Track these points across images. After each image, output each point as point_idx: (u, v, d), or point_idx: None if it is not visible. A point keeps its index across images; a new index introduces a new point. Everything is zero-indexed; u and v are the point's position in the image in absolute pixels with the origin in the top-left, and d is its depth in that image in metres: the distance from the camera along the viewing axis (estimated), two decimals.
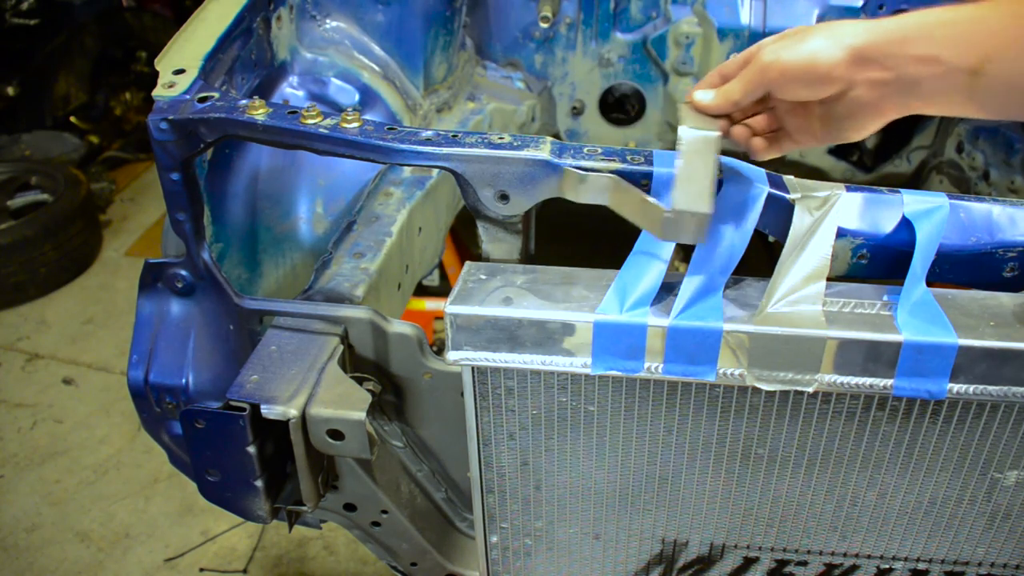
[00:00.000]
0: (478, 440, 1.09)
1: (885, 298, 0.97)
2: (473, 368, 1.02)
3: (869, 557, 1.15)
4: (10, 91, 4.06)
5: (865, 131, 0.91)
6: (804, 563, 1.17)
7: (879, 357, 0.92)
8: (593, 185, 0.99)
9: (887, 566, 1.16)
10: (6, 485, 2.62)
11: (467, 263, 1.08)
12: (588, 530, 1.17)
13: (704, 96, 0.94)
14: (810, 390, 0.95)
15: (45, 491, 2.59)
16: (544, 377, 1.02)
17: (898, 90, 0.86)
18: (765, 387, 0.96)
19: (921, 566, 1.15)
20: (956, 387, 0.93)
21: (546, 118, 2.16)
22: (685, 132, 0.91)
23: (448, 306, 0.98)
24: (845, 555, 1.16)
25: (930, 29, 0.82)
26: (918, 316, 0.93)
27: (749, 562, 1.19)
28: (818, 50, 0.85)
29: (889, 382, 0.94)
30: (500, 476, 1.12)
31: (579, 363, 0.98)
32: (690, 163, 0.90)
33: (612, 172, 0.99)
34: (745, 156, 1.00)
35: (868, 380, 0.94)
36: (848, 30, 0.85)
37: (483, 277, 1.04)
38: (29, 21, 3.99)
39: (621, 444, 1.07)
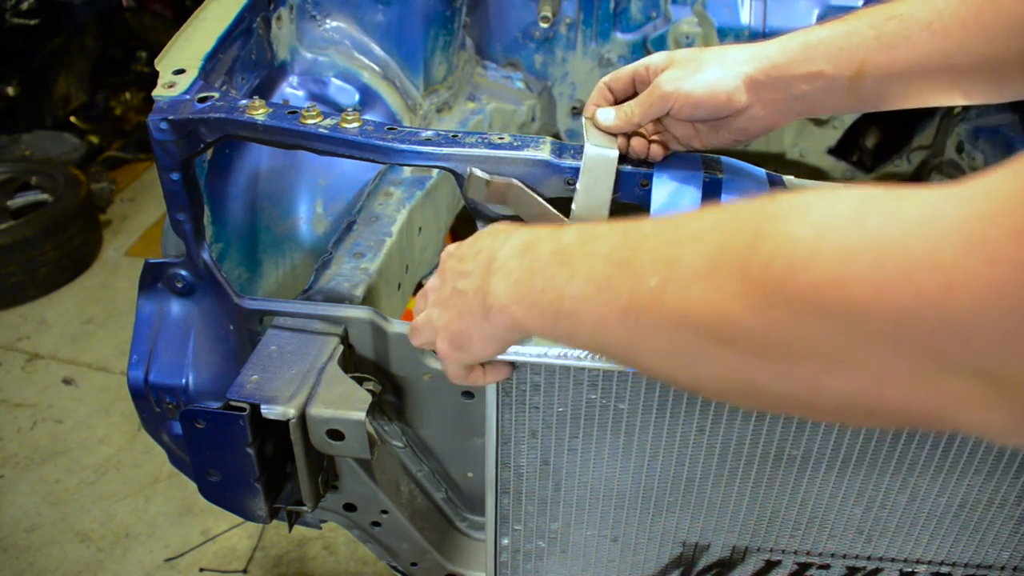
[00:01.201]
0: (497, 438, 1.02)
1: None
2: None
3: (893, 560, 1.12)
4: (10, 91, 4.05)
5: (756, 137, 0.99)
6: (826, 566, 1.14)
7: None
8: (495, 189, 1.03)
9: (910, 569, 1.13)
10: (6, 485, 2.62)
11: None
12: (607, 532, 1.12)
13: (607, 118, 1.01)
14: None
15: (45, 491, 2.59)
16: (574, 373, 0.95)
17: (790, 104, 0.94)
18: None
19: (944, 569, 1.12)
20: None
21: (546, 118, 2.16)
22: (589, 149, 0.99)
23: None
24: (868, 558, 1.13)
25: (809, 49, 0.91)
26: None
27: (771, 565, 1.15)
28: (716, 81, 0.92)
29: None
30: (517, 476, 1.06)
31: None
32: (591, 176, 1.00)
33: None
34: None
35: None
36: (737, 57, 0.93)
37: None
38: (29, 21, 3.98)
39: (650, 444, 1.01)
